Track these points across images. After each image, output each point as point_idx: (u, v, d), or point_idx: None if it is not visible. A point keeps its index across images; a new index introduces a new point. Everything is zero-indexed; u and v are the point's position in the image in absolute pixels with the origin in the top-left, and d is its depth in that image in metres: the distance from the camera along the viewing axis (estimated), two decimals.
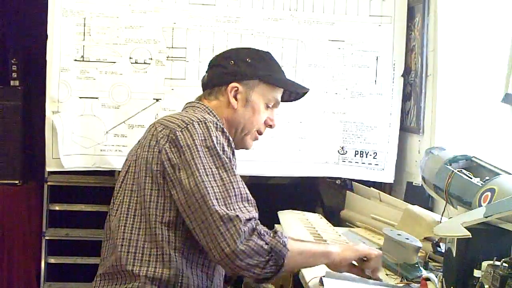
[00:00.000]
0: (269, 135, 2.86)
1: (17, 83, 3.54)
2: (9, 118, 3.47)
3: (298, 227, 2.36)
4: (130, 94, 2.79)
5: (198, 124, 1.50)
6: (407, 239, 1.82)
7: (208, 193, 1.41)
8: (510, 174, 1.74)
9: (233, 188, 1.44)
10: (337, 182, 3.24)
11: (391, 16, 2.89)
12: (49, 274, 3.51)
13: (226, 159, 1.48)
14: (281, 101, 1.79)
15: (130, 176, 1.58)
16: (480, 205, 1.63)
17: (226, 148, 1.50)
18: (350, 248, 1.64)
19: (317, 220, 2.54)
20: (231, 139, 1.55)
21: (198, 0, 2.80)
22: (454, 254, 1.59)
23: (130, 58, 2.78)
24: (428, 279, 1.62)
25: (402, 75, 2.91)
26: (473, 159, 1.94)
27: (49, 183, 3.47)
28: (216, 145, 1.48)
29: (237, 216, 1.39)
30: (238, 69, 1.67)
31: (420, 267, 1.78)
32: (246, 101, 1.67)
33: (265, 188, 3.75)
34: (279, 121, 2.85)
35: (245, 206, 1.43)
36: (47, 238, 3.49)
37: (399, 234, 1.87)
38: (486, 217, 1.47)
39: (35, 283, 3.51)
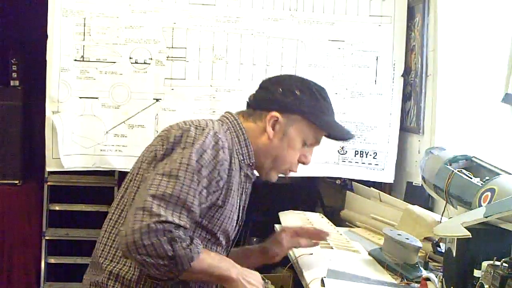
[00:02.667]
0: None
1: (17, 83, 3.54)
2: (9, 118, 3.47)
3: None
4: (130, 94, 2.79)
5: (196, 128, 1.47)
6: (407, 239, 1.82)
7: (156, 185, 1.37)
8: (510, 174, 1.74)
9: (181, 191, 1.37)
10: (337, 182, 3.24)
11: (391, 16, 2.89)
12: (49, 274, 3.51)
13: (195, 165, 1.40)
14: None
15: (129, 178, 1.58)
16: (480, 205, 1.63)
17: (208, 157, 1.43)
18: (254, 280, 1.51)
19: (318, 219, 2.54)
20: (223, 153, 1.46)
21: (198, 0, 2.80)
22: (454, 254, 1.59)
23: (130, 58, 2.78)
24: (428, 279, 1.62)
25: (402, 75, 2.91)
26: (473, 159, 1.94)
27: (49, 183, 3.47)
28: (195, 147, 1.42)
29: (159, 214, 1.33)
30: (284, 99, 1.58)
31: (420, 267, 1.79)
32: (283, 134, 1.58)
33: (265, 188, 3.75)
34: None
35: (177, 211, 1.36)
36: (47, 238, 3.50)
37: (399, 234, 1.87)
38: (486, 217, 1.47)
39: (35, 283, 3.51)
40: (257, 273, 1.52)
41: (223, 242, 1.57)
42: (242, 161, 1.57)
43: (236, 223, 1.60)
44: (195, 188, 1.39)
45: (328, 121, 1.62)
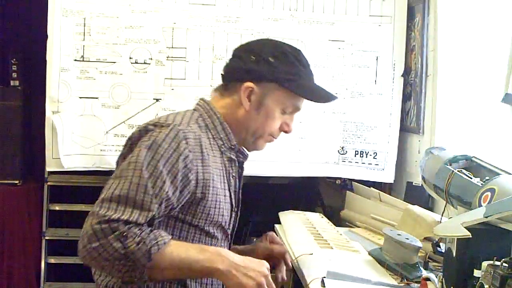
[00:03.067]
0: None
1: (17, 83, 3.54)
2: (9, 118, 3.47)
3: (299, 228, 2.36)
4: (130, 94, 2.79)
5: (155, 126, 1.42)
6: (407, 239, 1.82)
7: (106, 189, 1.34)
8: (510, 174, 1.74)
9: (128, 189, 1.32)
10: (337, 182, 3.24)
11: (391, 16, 2.90)
12: (49, 274, 3.51)
13: (146, 162, 1.35)
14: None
15: None
16: (480, 205, 1.63)
17: (165, 151, 1.36)
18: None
19: (318, 219, 2.54)
20: (185, 144, 1.39)
21: (198, 0, 2.80)
22: (454, 254, 1.59)
23: (130, 58, 2.78)
24: (428, 279, 1.62)
25: (402, 75, 2.91)
26: (473, 159, 1.94)
27: (49, 183, 3.46)
28: (148, 143, 1.37)
29: (104, 215, 1.28)
30: (258, 67, 1.49)
31: (420, 267, 1.79)
32: (260, 104, 1.51)
33: (265, 188, 3.75)
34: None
35: (125, 209, 1.30)
36: (47, 238, 3.49)
37: (399, 234, 1.87)
38: (486, 217, 1.47)
39: (35, 283, 3.50)
40: (260, 262, 1.39)
41: (218, 235, 1.50)
42: (223, 145, 1.51)
43: (232, 210, 1.55)
44: (145, 184, 1.32)
45: (306, 86, 1.54)
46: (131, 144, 1.45)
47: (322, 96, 1.59)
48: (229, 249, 1.55)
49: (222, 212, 1.48)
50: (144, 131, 1.43)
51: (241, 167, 1.61)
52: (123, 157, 1.45)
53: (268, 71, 1.49)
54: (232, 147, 1.53)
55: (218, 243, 1.50)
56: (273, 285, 1.38)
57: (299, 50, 1.55)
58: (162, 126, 1.41)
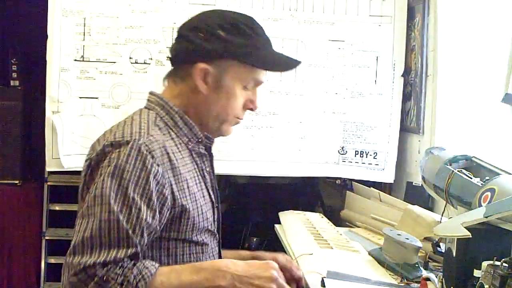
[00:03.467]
0: (269, 135, 2.86)
1: (17, 83, 3.54)
2: (9, 118, 3.47)
3: (299, 228, 2.36)
4: (130, 94, 2.79)
5: (111, 145, 1.26)
6: (407, 239, 1.82)
7: (75, 232, 1.22)
8: (510, 174, 1.74)
9: (99, 228, 1.18)
10: (337, 182, 3.25)
11: (391, 16, 2.89)
12: (49, 274, 3.51)
13: (113, 193, 1.20)
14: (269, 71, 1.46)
15: None
16: (480, 205, 1.63)
17: (132, 174, 1.21)
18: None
19: (318, 219, 2.54)
20: (151, 158, 1.24)
21: (198, 0, 2.80)
22: (454, 254, 1.59)
23: (130, 58, 2.78)
24: (428, 279, 1.62)
25: (402, 75, 2.91)
26: (473, 159, 1.94)
27: (49, 183, 3.47)
28: (110, 170, 1.22)
29: (78, 263, 1.17)
30: (208, 45, 1.33)
31: (420, 267, 1.79)
32: (217, 85, 1.35)
33: (265, 188, 3.76)
34: (279, 121, 2.87)
35: (99, 250, 1.17)
36: (47, 238, 3.49)
37: (399, 234, 1.87)
38: (486, 217, 1.47)
39: (35, 283, 3.51)
40: (265, 264, 1.27)
41: (207, 240, 1.38)
42: (189, 142, 1.38)
43: (213, 207, 1.42)
44: (116, 218, 1.18)
45: (266, 56, 1.38)
46: (91, 171, 1.29)
47: (283, 64, 1.45)
48: (219, 245, 1.45)
49: (206, 215, 1.37)
50: (102, 154, 1.27)
51: (210, 154, 1.46)
52: (86, 187, 1.29)
53: (221, 47, 1.33)
54: (200, 140, 1.40)
55: (209, 248, 1.40)
56: (286, 286, 1.26)
57: (251, 17, 1.40)
58: (120, 144, 1.25)
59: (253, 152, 2.86)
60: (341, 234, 2.29)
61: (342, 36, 2.89)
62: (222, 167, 2.86)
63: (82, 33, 2.74)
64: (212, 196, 1.42)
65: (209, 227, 1.38)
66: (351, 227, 2.60)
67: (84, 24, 2.74)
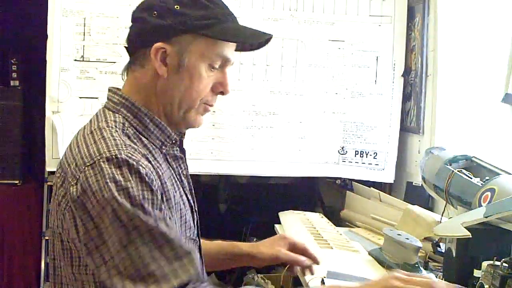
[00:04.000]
0: (269, 135, 2.86)
1: (17, 83, 3.53)
2: (9, 118, 3.47)
3: (299, 228, 2.36)
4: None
5: (92, 168, 1.08)
6: (407, 239, 1.82)
7: (117, 266, 1.03)
8: (510, 174, 1.74)
9: (159, 247, 1.04)
10: (337, 182, 3.24)
11: (391, 16, 2.89)
12: (49, 274, 3.51)
13: (132, 211, 1.04)
14: (239, 50, 1.30)
15: None
16: (480, 205, 1.63)
17: (135, 189, 1.06)
18: None
19: (317, 219, 2.54)
20: (149, 175, 1.09)
21: None
22: (454, 254, 1.59)
23: None
24: None
25: (402, 75, 2.91)
26: (473, 159, 1.95)
27: (49, 183, 3.46)
28: (123, 192, 1.05)
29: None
30: (163, 22, 1.18)
31: (420, 267, 1.79)
32: (178, 65, 1.20)
33: (265, 188, 3.75)
34: (279, 121, 2.87)
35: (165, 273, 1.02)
36: (47, 238, 3.49)
37: (399, 234, 1.87)
38: (486, 217, 1.47)
39: (35, 283, 3.50)
40: (384, 279, 1.14)
41: (193, 248, 1.27)
42: (163, 146, 1.24)
43: (192, 212, 1.32)
44: (161, 231, 1.04)
45: (228, 28, 1.22)
46: (72, 212, 1.09)
47: (250, 35, 1.27)
48: (200, 250, 1.36)
49: (190, 224, 1.28)
50: (77, 179, 1.09)
51: (182, 151, 1.32)
52: (73, 227, 1.10)
53: (177, 22, 1.18)
54: (174, 141, 1.26)
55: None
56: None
57: None
58: (107, 160, 1.08)
59: (253, 152, 2.86)
60: (341, 234, 2.29)
61: (342, 36, 2.89)
62: (222, 167, 2.86)
63: (82, 33, 2.74)
64: (191, 201, 1.32)
65: (192, 235, 1.29)
66: (351, 227, 2.60)
67: (84, 24, 2.74)
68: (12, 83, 3.53)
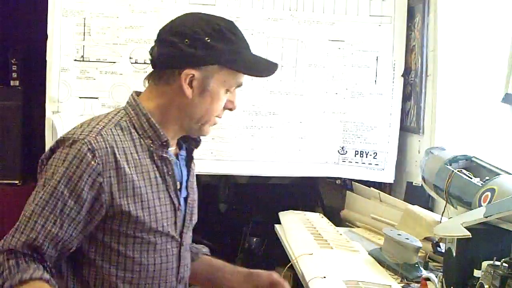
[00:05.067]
0: (269, 135, 2.86)
1: (17, 83, 3.54)
2: (9, 118, 3.46)
3: (299, 228, 2.36)
4: (130, 94, 2.78)
5: (55, 149, 1.40)
6: (407, 239, 1.82)
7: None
8: (510, 174, 1.74)
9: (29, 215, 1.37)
10: (337, 182, 3.24)
11: (391, 16, 2.89)
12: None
13: (56, 189, 1.33)
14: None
15: None
16: (480, 205, 1.63)
17: (69, 184, 1.31)
18: None
19: (318, 219, 2.54)
20: (92, 165, 1.32)
21: (198, 0, 2.80)
22: (454, 254, 1.59)
23: (130, 58, 2.78)
24: (428, 279, 1.62)
25: (402, 75, 2.91)
26: (473, 159, 1.95)
27: None
28: (48, 174, 1.37)
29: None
30: (195, 52, 1.37)
31: (420, 267, 1.79)
32: (203, 89, 1.40)
33: (265, 188, 3.76)
34: (279, 121, 2.87)
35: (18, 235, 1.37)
36: None
37: (399, 234, 1.87)
38: (486, 217, 1.47)
39: None
40: None
41: (155, 240, 1.40)
42: (152, 145, 1.40)
43: (175, 210, 1.44)
44: (40, 207, 1.35)
45: (248, 61, 1.45)
46: (41, 165, 1.44)
47: (265, 68, 1.50)
48: (180, 249, 1.47)
49: (159, 217, 1.40)
50: (50, 151, 1.41)
51: (190, 156, 1.54)
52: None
53: (208, 54, 1.38)
54: (164, 143, 1.41)
55: (157, 248, 1.41)
56: None
57: (232, 22, 1.45)
58: (65, 142, 1.36)
59: (253, 152, 2.86)
60: (341, 234, 2.29)
61: (342, 36, 2.89)
62: (222, 167, 2.86)
63: (82, 33, 2.74)
64: (175, 199, 1.44)
65: (161, 229, 1.40)
66: (351, 227, 2.60)
67: (84, 24, 2.74)
68: (12, 83, 3.53)
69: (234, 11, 2.82)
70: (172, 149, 1.48)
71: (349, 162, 2.94)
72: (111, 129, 1.38)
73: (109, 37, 2.76)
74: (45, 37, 2.69)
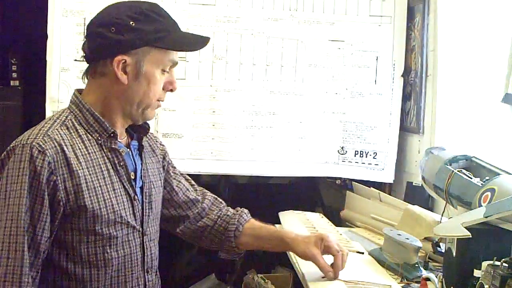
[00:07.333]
0: (269, 135, 2.86)
1: (17, 83, 3.54)
2: (9, 118, 3.47)
3: (299, 228, 2.36)
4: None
5: (15, 150, 1.36)
6: (407, 239, 1.82)
7: None
8: (510, 174, 1.74)
9: None
10: (337, 182, 3.24)
11: (391, 16, 2.89)
12: None
13: (11, 197, 1.32)
14: (184, 51, 1.63)
15: None
16: (480, 205, 1.63)
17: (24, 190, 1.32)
18: None
19: (318, 219, 2.54)
20: (44, 166, 1.34)
21: (198, 0, 2.80)
22: (454, 254, 1.59)
23: None
24: (428, 279, 1.62)
25: (402, 75, 2.91)
26: (473, 159, 1.94)
27: None
28: (13, 180, 1.33)
29: None
30: (121, 37, 1.40)
31: (420, 267, 1.79)
32: (137, 73, 1.43)
33: (265, 188, 3.76)
34: (279, 121, 2.87)
35: None
36: None
37: (399, 234, 1.87)
38: (486, 217, 1.47)
39: None
40: None
41: (116, 233, 1.44)
42: (99, 137, 1.45)
43: (132, 200, 1.48)
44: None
45: (176, 37, 1.48)
46: None
47: (194, 43, 1.55)
48: (142, 237, 1.51)
49: (116, 208, 1.43)
50: (1, 159, 1.39)
51: (140, 145, 1.56)
52: None
53: (135, 37, 1.41)
54: (112, 135, 1.46)
55: (118, 241, 1.44)
56: None
57: (156, 4, 1.48)
58: (15, 149, 1.36)
59: (253, 152, 2.86)
60: (341, 234, 2.29)
61: (342, 36, 2.89)
62: (222, 167, 2.86)
63: (82, 33, 2.74)
64: (129, 190, 1.48)
65: (120, 219, 1.44)
66: (351, 227, 2.60)
67: (84, 24, 2.73)
68: (12, 83, 3.54)
69: (234, 11, 2.82)
70: (123, 139, 1.52)
71: (349, 162, 2.94)
72: (57, 129, 1.41)
73: None
74: (45, 37, 2.69)
